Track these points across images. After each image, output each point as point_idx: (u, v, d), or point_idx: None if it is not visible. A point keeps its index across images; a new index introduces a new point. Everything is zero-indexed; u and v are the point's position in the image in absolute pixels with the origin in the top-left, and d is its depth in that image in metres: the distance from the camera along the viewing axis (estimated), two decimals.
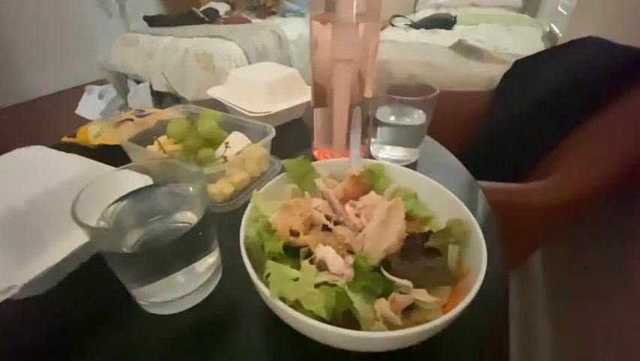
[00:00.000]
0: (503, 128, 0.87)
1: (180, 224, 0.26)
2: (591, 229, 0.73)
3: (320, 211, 0.27)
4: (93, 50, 2.65)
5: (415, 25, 1.99)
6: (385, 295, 0.22)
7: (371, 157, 0.50)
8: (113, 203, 0.26)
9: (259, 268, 0.23)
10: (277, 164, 0.48)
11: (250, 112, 0.53)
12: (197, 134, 0.43)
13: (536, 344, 0.76)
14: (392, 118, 0.47)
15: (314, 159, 0.50)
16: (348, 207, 0.27)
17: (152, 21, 2.21)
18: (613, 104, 0.68)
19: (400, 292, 0.22)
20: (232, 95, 0.58)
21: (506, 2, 2.19)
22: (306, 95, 0.60)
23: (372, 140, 0.50)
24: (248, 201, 0.41)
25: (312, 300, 0.20)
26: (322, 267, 0.22)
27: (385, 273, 0.23)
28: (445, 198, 0.30)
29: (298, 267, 0.23)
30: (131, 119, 0.48)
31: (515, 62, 0.93)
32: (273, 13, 2.50)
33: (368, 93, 0.44)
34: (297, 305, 0.20)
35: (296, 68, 0.64)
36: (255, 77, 0.57)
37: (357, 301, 0.20)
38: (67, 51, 2.72)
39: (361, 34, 0.38)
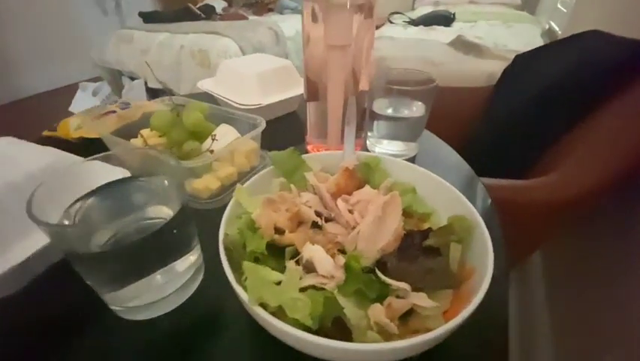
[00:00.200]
0: (504, 124, 0.85)
1: (155, 220, 0.23)
2: (594, 226, 0.71)
3: (310, 207, 0.24)
4: (88, 47, 2.61)
5: (414, 22, 1.97)
6: (380, 299, 0.20)
7: (367, 152, 0.48)
8: (79, 199, 0.23)
9: (240, 270, 0.20)
10: (268, 159, 0.45)
11: (240, 104, 0.51)
12: (183, 127, 0.41)
13: (536, 344, 0.74)
14: (389, 110, 0.45)
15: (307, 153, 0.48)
16: (340, 203, 0.24)
17: (148, 17, 2.17)
18: (616, 98, 0.66)
19: (397, 297, 0.20)
20: (223, 88, 0.55)
21: None
22: (299, 88, 0.58)
23: (369, 134, 0.48)
24: None
25: (297, 306, 0.17)
26: (310, 268, 0.20)
27: (380, 275, 0.20)
28: (446, 193, 0.28)
29: (283, 268, 0.20)
30: (115, 112, 0.46)
31: (515, 57, 0.91)
32: (271, 10, 2.48)
33: (364, 86, 0.42)
34: (280, 312, 0.18)
35: (293, 64, 0.61)
36: (246, 68, 0.55)
37: (349, 307, 0.18)
38: (63, 49, 2.68)
39: (355, 30, 0.36)
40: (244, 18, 2.16)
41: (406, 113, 0.44)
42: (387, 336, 0.18)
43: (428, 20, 1.92)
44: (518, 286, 0.92)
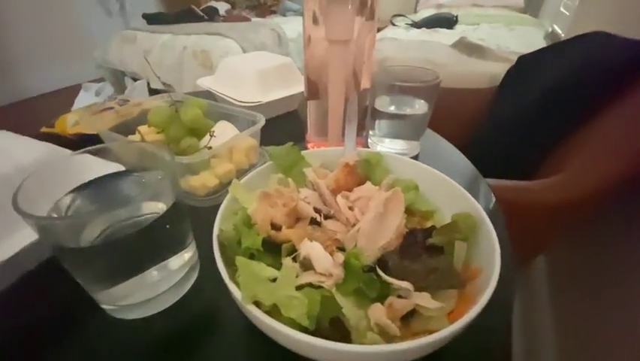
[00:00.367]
0: (507, 125, 0.84)
1: (148, 215, 0.22)
2: (598, 229, 0.70)
3: (308, 203, 0.24)
4: (92, 48, 2.62)
5: (416, 25, 1.97)
6: (381, 299, 0.19)
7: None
8: (70, 192, 0.22)
9: (234, 267, 0.20)
10: (267, 157, 0.44)
11: (240, 101, 0.50)
12: (181, 123, 0.40)
13: (540, 347, 0.72)
14: (392, 108, 0.44)
15: None
16: (340, 199, 0.24)
17: (151, 19, 2.19)
18: (620, 99, 0.65)
19: (399, 297, 0.19)
20: (223, 85, 0.55)
21: (508, 2, 2.17)
22: (300, 86, 0.57)
23: (371, 132, 0.47)
24: None
25: (293, 305, 0.16)
26: (307, 266, 0.19)
27: (381, 273, 0.19)
28: (449, 190, 0.27)
29: (280, 266, 0.19)
30: (113, 108, 0.45)
31: (519, 58, 0.90)
32: (273, 12, 2.49)
33: (365, 85, 0.41)
34: (275, 311, 0.17)
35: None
36: (246, 65, 0.54)
37: (348, 307, 0.17)
38: (66, 49, 2.69)
39: (357, 31, 0.36)
40: (247, 20, 2.17)
41: (408, 110, 0.43)
42: (387, 338, 0.17)
43: (431, 23, 1.92)
44: (521, 290, 0.91)
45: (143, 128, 0.40)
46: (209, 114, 0.43)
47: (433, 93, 0.42)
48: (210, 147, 0.39)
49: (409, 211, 0.26)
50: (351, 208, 0.24)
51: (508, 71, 0.91)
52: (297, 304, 0.16)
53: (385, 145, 0.46)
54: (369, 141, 0.48)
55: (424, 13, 2.15)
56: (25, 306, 0.26)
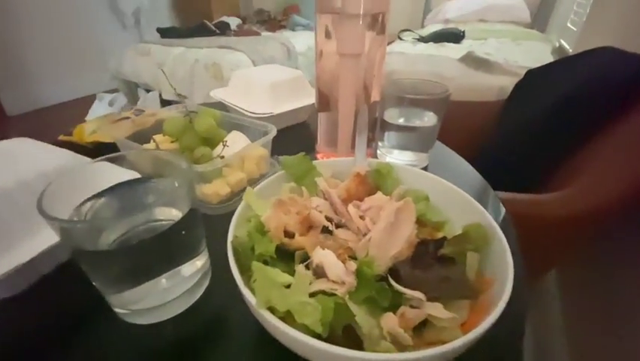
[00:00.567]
0: (515, 138, 0.84)
1: (164, 222, 0.23)
2: (611, 243, 0.69)
3: (320, 212, 0.24)
4: (107, 60, 2.71)
5: (424, 39, 1.99)
6: (392, 309, 0.19)
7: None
8: (90, 198, 0.23)
9: (248, 273, 0.20)
10: (278, 166, 0.45)
11: (252, 113, 0.51)
12: (195, 133, 0.41)
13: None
14: (401, 120, 0.44)
15: None
16: (351, 208, 0.24)
17: (165, 33, 2.26)
18: (629, 113, 0.65)
19: (411, 306, 0.19)
20: (235, 97, 0.56)
21: (515, 18, 2.19)
22: (310, 98, 0.58)
23: (380, 144, 0.47)
24: None
25: (306, 311, 0.16)
26: (320, 273, 0.19)
27: (393, 283, 0.20)
28: (460, 201, 0.27)
29: (292, 273, 0.20)
30: (129, 118, 0.47)
31: (527, 72, 0.91)
32: (283, 27, 2.55)
33: (375, 97, 0.42)
34: (288, 317, 0.17)
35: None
36: (258, 77, 0.55)
37: (360, 315, 0.17)
38: (82, 61, 2.79)
39: (367, 45, 0.37)
40: (257, 34, 2.23)
41: (417, 123, 0.44)
42: (400, 347, 0.17)
43: (438, 37, 1.95)
44: (533, 305, 0.88)
45: (158, 137, 0.41)
46: (221, 124, 0.44)
47: (442, 106, 0.42)
48: (223, 156, 0.40)
49: (420, 222, 0.26)
50: (362, 218, 0.24)
51: (517, 85, 0.91)
52: (311, 310, 0.16)
53: (394, 156, 0.47)
54: (378, 152, 0.48)
55: (431, 28, 2.18)
56: (41, 308, 0.27)
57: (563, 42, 1.90)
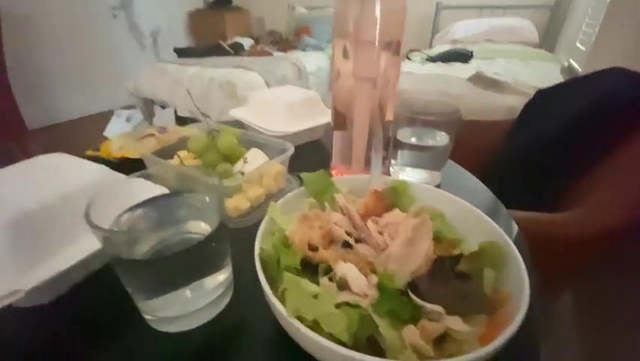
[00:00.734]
0: (525, 158, 0.84)
1: (194, 235, 0.25)
2: (624, 262, 0.67)
3: (340, 227, 0.25)
4: (124, 78, 2.83)
5: (432, 59, 2.04)
6: (412, 321, 0.20)
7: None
8: (128, 210, 0.25)
9: (273, 284, 0.21)
10: (294, 182, 0.47)
11: (270, 131, 0.53)
12: (217, 150, 0.43)
13: None
14: (413, 139, 0.46)
15: None
16: (370, 224, 0.25)
17: (182, 53, 2.36)
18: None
19: (430, 319, 0.20)
20: (253, 116, 0.59)
21: (523, 38, 2.23)
22: (324, 117, 0.60)
23: (393, 162, 0.49)
24: (263, 218, 0.40)
25: (333, 321, 0.17)
26: (343, 286, 0.20)
27: (413, 296, 0.20)
28: (475, 219, 0.28)
29: (316, 285, 0.21)
30: (153, 135, 0.49)
31: (537, 92, 0.92)
32: (294, 47, 2.64)
33: (389, 116, 0.44)
34: (314, 326, 0.18)
35: None
36: (275, 98, 0.58)
37: (383, 326, 0.18)
38: (101, 79, 2.92)
39: (383, 66, 0.39)
40: (269, 54, 2.31)
41: (429, 142, 0.45)
42: (422, 358, 0.18)
43: (446, 57, 1.99)
44: (547, 326, 0.86)
45: (182, 154, 0.44)
46: (241, 142, 0.46)
47: (453, 126, 0.44)
48: (243, 173, 0.42)
49: (436, 239, 0.27)
50: (380, 233, 0.25)
51: (527, 105, 0.92)
52: (338, 320, 0.17)
53: (407, 174, 0.48)
54: (391, 169, 0.50)
55: (440, 48, 2.23)
56: (72, 314, 0.28)
57: (572, 62, 1.92)
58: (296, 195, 0.30)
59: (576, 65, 1.84)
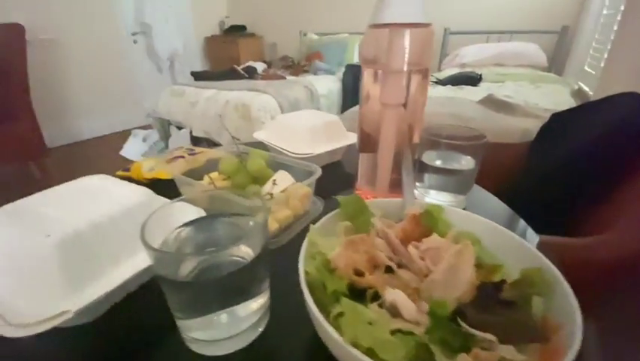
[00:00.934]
0: (544, 181, 0.84)
1: (237, 258, 0.25)
2: None
3: (380, 251, 0.25)
4: (142, 99, 2.94)
5: (442, 82, 2.08)
6: (463, 350, 0.20)
7: None
8: (176, 229, 0.26)
9: (324, 310, 0.21)
10: (319, 204, 0.47)
11: (293, 153, 0.55)
12: (246, 172, 0.44)
13: None
14: (438, 162, 0.47)
15: None
16: (412, 250, 0.25)
17: (198, 76, 2.46)
18: None
19: (482, 348, 0.20)
20: (276, 138, 0.60)
21: (532, 62, 2.26)
22: (345, 140, 0.62)
23: (418, 184, 0.49)
24: (292, 239, 0.40)
25: (390, 348, 0.17)
26: (394, 312, 0.20)
27: (463, 324, 0.20)
28: (513, 245, 0.28)
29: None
30: (183, 157, 0.51)
31: (552, 115, 0.92)
32: (306, 71, 2.72)
33: (416, 139, 0.45)
34: (368, 354, 0.18)
35: None
36: (299, 122, 0.60)
37: (439, 354, 0.18)
38: (119, 100, 3.05)
39: (413, 90, 0.40)
40: (282, 78, 2.38)
41: (455, 165, 0.46)
42: None
43: (455, 80, 2.02)
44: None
45: (213, 175, 0.45)
46: (269, 164, 0.47)
47: (480, 151, 0.44)
48: (271, 194, 0.42)
49: (476, 265, 0.27)
50: (422, 258, 0.25)
51: (543, 128, 0.93)
52: (394, 348, 0.17)
53: (431, 197, 0.48)
54: (415, 192, 0.50)
55: (449, 71, 2.27)
56: (111, 333, 0.28)
57: (582, 85, 1.93)
58: (331, 218, 0.31)
59: (586, 88, 1.85)
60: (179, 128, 2.12)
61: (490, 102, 1.45)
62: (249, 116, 1.76)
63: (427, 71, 0.40)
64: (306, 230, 0.42)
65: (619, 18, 1.47)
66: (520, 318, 0.21)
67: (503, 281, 0.24)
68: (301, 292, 0.22)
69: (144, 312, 0.30)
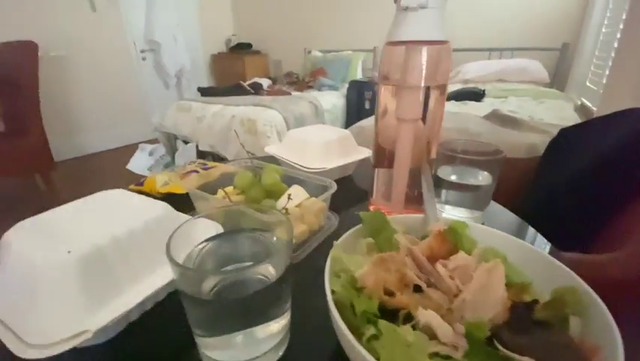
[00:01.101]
0: (556, 196, 0.83)
1: (260, 276, 0.24)
2: None
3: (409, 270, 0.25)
4: (149, 114, 2.99)
5: (446, 98, 2.09)
6: None
7: None
8: (199, 245, 0.25)
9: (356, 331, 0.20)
10: (334, 219, 0.47)
11: (306, 167, 0.55)
12: (261, 187, 0.44)
13: None
14: (453, 177, 0.46)
15: None
16: (440, 268, 0.24)
17: (205, 92, 2.50)
18: None
19: None
20: (288, 153, 0.60)
21: (534, 78, 2.28)
22: (357, 154, 0.62)
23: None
24: (309, 256, 0.39)
25: None
26: (429, 334, 0.19)
27: (501, 348, 0.19)
28: (541, 262, 0.27)
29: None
30: (197, 171, 0.51)
31: (561, 130, 0.93)
32: (310, 87, 2.76)
33: (433, 154, 0.45)
34: None
35: None
36: (311, 136, 0.60)
37: None
38: (127, 114, 3.10)
39: (431, 104, 0.40)
40: (287, 94, 2.42)
41: (471, 181, 0.45)
42: None
43: (459, 96, 2.04)
44: None
45: (228, 189, 0.45)
46: (282, 179, 0.47)
47: (496, 166, 0.44)
48: (286, 209, 0.42)
49: (505, 283, 0.26)
50: (451, 277, 0.24)
51: (551, 143, 0.92)
52: None
53: (448, 212, 0.48)
54: None
55: (452, 87, 2.30)
56: (124, 351, 0.27)
57: (584, 100, 1.95)
58: (353, 234, 0.30)
59: (589, 104, 1.86)
60: (186, 142, 2.14)
61: (495, 117, 1.46)
62: (255, 131, 1.78)
63: (444, 86, 0.41)
64: (322, 246, 0.42)
65: (619, 35, 1.49)
66: (558, 340, 0.20)
67: (536, 301, 0.24)
68: (320, 313, 0.21)
69: (159, 331, 0.29)
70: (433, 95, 0.40)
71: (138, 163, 2.15)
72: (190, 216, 0.37)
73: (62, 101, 2.63)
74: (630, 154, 0.70)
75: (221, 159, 1.96)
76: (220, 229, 0.29)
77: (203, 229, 0.28)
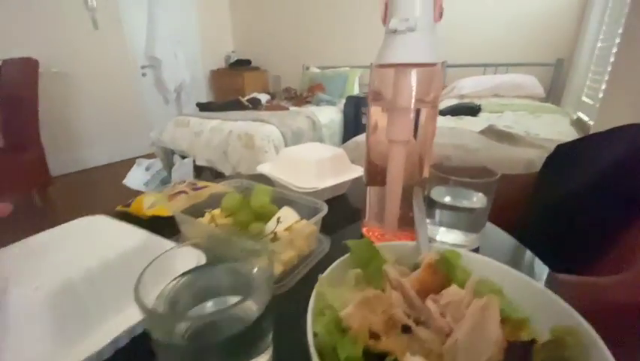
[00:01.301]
0: (552, 214, 0.81)
1: (240, 314, 0.23)
2: None
3: (397, 307, 0.23)
4: (148, 129, 3.00)
5: (442, 113, 2.11)
6: None
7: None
8: (173, 280, 0.24)
9: None
10: (325, 243, 0.45)
11: (299, 187, 0.53)
12: (250, 209, 0.43)
13: None
14: (447, 199, 0.45)
15: (362, 236, 0.48)
16: (430, 304, 0.23)
17: (203, 107, 2.52)
18: None
19: None
20: (281, 171, 0.59)
21: (530, 92, 2.31)
22: (350, 173, 0.61)
23: (427, 220, 0.47)
24: (298, 283, 0.38)
25: None
26: None
27: None
28: (540, 295, 0.26)
29: None
30: (185, 192, 0.50)
31: (558, 146, 0.92)
32: (308, 102, 2.79)
33: (425, 173, 0.43)
34: None
35: None
36: (304, 155, 0.59)
37: None
38: (125, 129, 3.11)
39: (423, 120, 0.40)
40: (285, 109, 2.44)
41: (465, 203, 0.44)
42: None
43: (455, 111, 2.06)
44: None
45: (215, 212, 0.43)
46: (273, 200, 0.45)
47: (491, 188, 0.43)
48: (275, 233, 0.41)
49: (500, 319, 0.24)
50: (442, 314, 0.23)
51: (548, 159, 0.92)
52: None
53: (441, 235, 0.46)
54: None
55: (448, 102, 2.32)
56: None
57: (581, 115, 1.96)
58: (340, 265, 0.29)
59: (585, 118, 1.87)
60: (183, 157, 2.13)
61: (491, 132, 1.46)
62: (252, 145, 1.78)
63: (436, 98, 0.40)
64: (311, 272, 0.40)
65: (614, 50, 1.51)
66: None
67: (533, 341, 0.22)
68: (307, 347, 0.20)
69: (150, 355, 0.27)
70: (424, 112, 0.39)
71: (135, 178, 2.14)
72: (173, 244, 0.36)
73: (63, 116, 2.65)
74: (629, 171, 0.69)
75: (218, 174, 1.95)
76: (202, 258, 0.28)
77: (182, 259, 0.27)
